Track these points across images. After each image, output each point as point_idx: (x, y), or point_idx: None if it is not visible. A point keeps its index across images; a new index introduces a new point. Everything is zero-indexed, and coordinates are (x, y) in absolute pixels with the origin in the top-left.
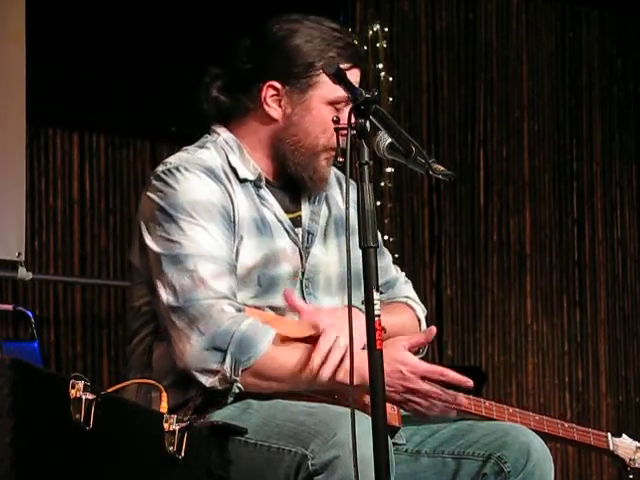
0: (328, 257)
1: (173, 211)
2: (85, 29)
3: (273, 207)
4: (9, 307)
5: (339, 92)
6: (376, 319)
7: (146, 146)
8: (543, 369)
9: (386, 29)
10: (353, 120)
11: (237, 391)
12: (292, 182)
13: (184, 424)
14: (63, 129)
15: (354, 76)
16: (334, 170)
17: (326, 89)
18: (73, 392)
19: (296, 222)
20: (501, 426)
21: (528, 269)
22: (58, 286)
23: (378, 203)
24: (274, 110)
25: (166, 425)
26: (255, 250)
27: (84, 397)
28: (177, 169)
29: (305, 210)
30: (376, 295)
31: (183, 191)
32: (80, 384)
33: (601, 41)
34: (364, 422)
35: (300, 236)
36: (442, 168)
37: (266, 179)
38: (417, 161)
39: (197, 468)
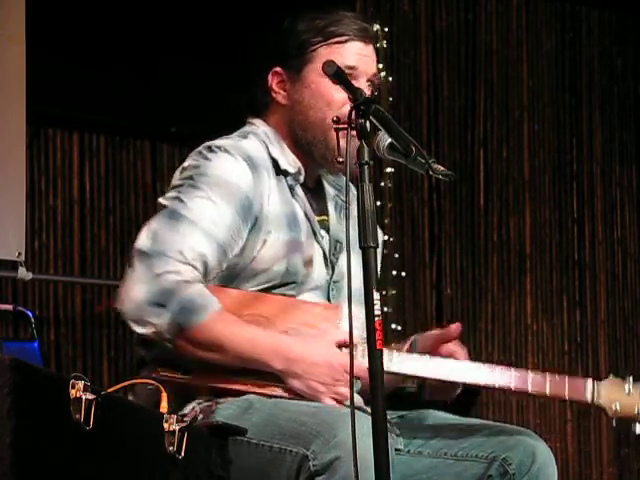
0: (353, 269)
1: (197, 178)
2: (85, 29)
3: (305, 205)
4: (9, 307)
5: (337, 62)
6: (376, 319)
7: (146, 146)
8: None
9: (386, 29)
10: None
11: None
12: (320, 186)
13: (184, 424)
14: (63, 129)
15: (355, 49)
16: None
17: (319, 62)
18: (73, 392)
19: (322, 225)
20: (506, 429)
21: (528, 269)
22: (58, 286)
23: (378, 203)
24: (281, 96)
25: (166, 425)
26: (283, 245)
27: (84, 397)
28: (219, 148)
29: (332, 218)
30: (376, 295)
31: (215, 166)
32: (80, 384)
33: (601, 41)
34: (365, 423)
35: (326, 240)
36: (442, 168)
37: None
38: (417, 161)
39: (197, 468)
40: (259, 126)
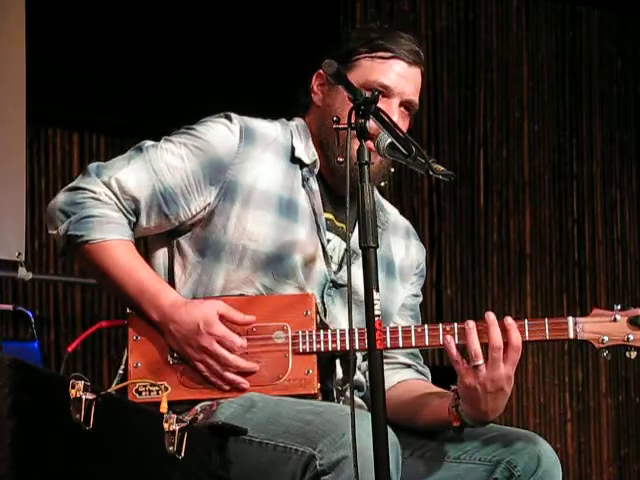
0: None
1: (187, 130)
2: (85, 29)
3: (314, 196)
4: (9, 307)
5: (372, 77)
6: (376, 319)
7: None
8: (543, 369)
9: None
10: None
11: (64, 254)
12: (351, 197)
13: (184, 424)
14: (63, 129)
15: (396, 68)
16: (404, 220)
17: (360, 73)
18: (73, 392)
19: (334, 229)
20: (509, 432)
21: (528, 269)
22: (58, 286)
23: None
24: (318, 97)
25: (166, 425)
26: (269, 225)
27: (84, 397)
28: (226, 115)
29: (356, 231)
30: (376, 295)
31: (206, 126)
32: (80, 384)
33: (601, 41)
34: (370, 422)
35: (334, 243)
36: (442, 168)
37: (324, 177)
38: (417, 161)
39: (197, 468)
40: (295, 120)
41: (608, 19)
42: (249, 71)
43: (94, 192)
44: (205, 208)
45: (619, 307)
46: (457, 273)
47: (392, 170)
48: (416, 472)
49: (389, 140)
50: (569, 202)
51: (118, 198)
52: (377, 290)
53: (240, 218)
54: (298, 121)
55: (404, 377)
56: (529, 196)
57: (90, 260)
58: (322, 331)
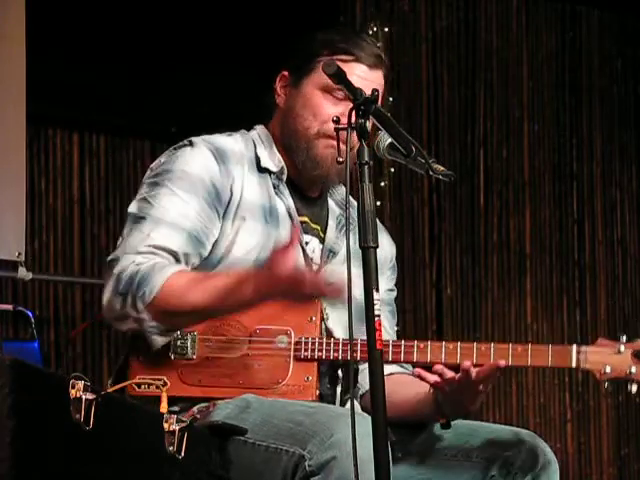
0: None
1: (161, 175)
2: (85, 29)
3: (288, 201)
4: (9, 307)
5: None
6: (376, 319)
7: (146, 146)
8: (543, 369)
9: (386, 29)
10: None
11: (157, 330)
12: (324, 199)
13: (184, 424)
14: (63, 129)
15: (357, 71)
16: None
17: (318, 74)
18: (73, 392)
19: (312, 231)
20: (506, 430)
21: (528, 269)
22: (58, 286)
23: (378, 203)
24: (281, 98)
25: (166, 425)
26: (258, 234)
27: (84, 397)
28: (190, 142)
29: (331, 230)
30: (376, 295)
31: (178, 161)
32: (80, 384)
33: (601, 41)
34: (363, 423)
35: (313, 245)
36: (442, 168)
37: (293, 180)
38: (417, 161)
39: (197, 468)
40: (256, 129)
41: (608, 19)
42: (249, 71)
43: (131, 263)
44: (217, 235)
45: (624, 338)
46: (457, 273)
47: (392, 170)
48: (413, 470)
49: (389, 140)
50: (569, 202)
51: (155, 254)
52: (377, 290)
53: (239, 232)
54: (260, 129)
55: (389, 370)
56: (529, 196)
57: (166, 307)
58: (325, 339)
